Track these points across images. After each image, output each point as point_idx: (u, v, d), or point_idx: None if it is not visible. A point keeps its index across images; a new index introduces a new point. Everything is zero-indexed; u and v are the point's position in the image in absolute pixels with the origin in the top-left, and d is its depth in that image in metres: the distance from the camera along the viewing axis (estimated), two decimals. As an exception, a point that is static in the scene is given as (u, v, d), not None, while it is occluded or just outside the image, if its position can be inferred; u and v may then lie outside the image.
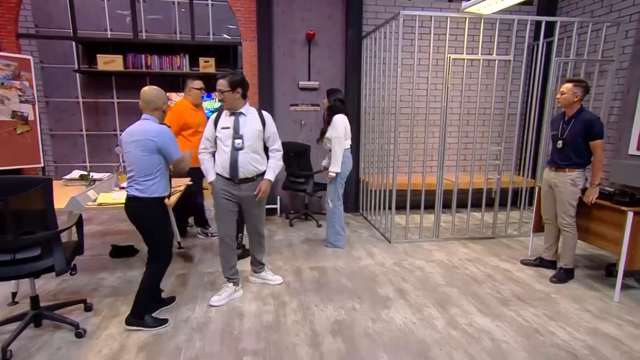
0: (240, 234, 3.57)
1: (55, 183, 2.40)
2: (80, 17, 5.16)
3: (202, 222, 4.25)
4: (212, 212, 4.38)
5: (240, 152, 2.64)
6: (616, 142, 4.25)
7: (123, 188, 3.19)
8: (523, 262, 3.62)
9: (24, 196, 2.07)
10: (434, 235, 4.28)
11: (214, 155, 2.77)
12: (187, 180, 3.57)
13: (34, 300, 2.41)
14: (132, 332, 2.42)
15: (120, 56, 5.16)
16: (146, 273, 2.47)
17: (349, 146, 3.79)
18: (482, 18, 3.94)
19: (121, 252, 3.68)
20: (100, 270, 3.34)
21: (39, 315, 2.43)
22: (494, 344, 2.35)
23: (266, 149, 2.81)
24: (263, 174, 2.78)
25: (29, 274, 2.21)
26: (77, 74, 5.47)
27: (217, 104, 5.24)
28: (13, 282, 2.76)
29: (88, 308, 2.67)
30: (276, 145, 2.82)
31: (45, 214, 2.17)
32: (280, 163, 2.85)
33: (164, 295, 2.79)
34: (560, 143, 3.14)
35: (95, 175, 3.51)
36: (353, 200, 5.30)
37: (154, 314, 2.55)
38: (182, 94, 3.99)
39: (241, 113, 2.67)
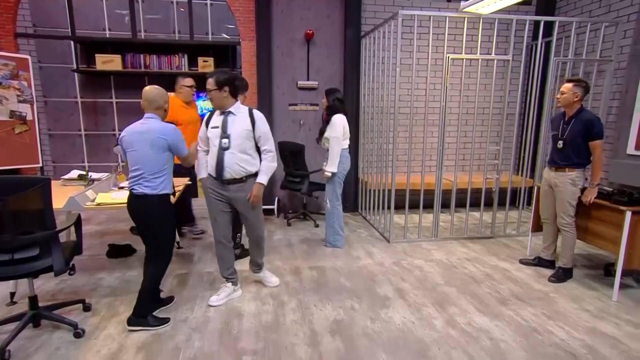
0: (238, 234, 3.57)
1: (53, 183, 2.39)
2: (78, 16, 5.15)
3: (190, 218, 4.27)
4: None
5: (226, 151, 2.58)
6: (614, 142, 4.26)
7: (122, 188, 3.18)
8: (522, 262, 3.62)
9: (23, 196, 2.06)
10: (432, 234, 4.28)
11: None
12: (185, 180, 3.57)
13: (33, 300, 2.40)
14: (131, 332, 2.42)
15: (119, 56, 5.16)
16: (148, 272, 2.47)
17: (347, 146, 3.79)
18: (480, 18, 3.94)
19: (119, 252, 3.67)
20: (99, 270, 3.34)
21: (37, 315, 2.42)
22: (492, 343, 2.35)
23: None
24: (254, 175, 2.68)
25: (27, 274, 2.20)
26: (76, 74, 5.46)
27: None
28: (11, 282, 2.75)
29: (87, 308, 2.67)
30: (267, 146, 2.69)
31: (44, 214, 2.16)
32: (273, 164, 2.72)
33: (162, 295, 2.79)
34: (560, 143, 3.14)
35: (94, 175, 3.50)
36: (352, 200, 5.30)
37: (154, 314, 2.55)
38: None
39: (230, 112, 2.61)
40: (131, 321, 2.44)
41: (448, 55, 3.92)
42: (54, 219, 2.22)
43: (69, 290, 2.99)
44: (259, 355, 2.22)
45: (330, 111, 3.72)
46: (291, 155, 4.55)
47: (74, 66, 5.31)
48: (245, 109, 2.68)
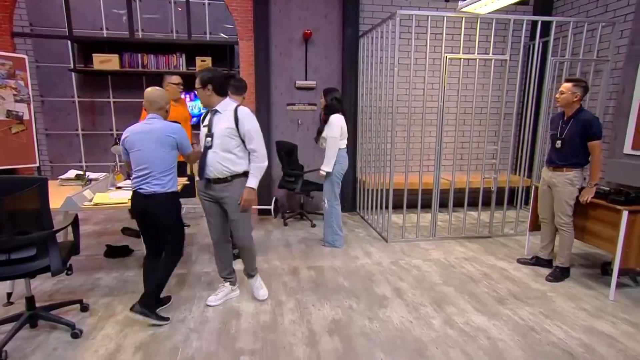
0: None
1: (50, 183, 2.38)
2: (75, 15, 5.13)
3: None
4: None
5: (209, 150, 2.54)
6: (611, 142, 4.28)
7: (119, 188, 3.18)
8: (519, 261, 3.63)
9: (19, 196, 2.06)
10: (430, 234, 4.29)
11: None
12: (184, 180, 3.56)
13: (30, 300, 2.40)
14: (129, 332, 2.41)
15: (117, 55, 5.14)
16: (161, 267, 2.49)
17: (344, 146, 3.79)
18: (478, 18, 3.95)
19: (116, 252, 3.66)
20: (97, 271, 3.33)
21: (34, 315, 2.42)
22: (490, 343, 2.36)
23: None
24: (243, 174, 2.60)
25: (24, 274, 2.20)
26: (73, 73, 5.45)
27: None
28: (8, 282, 2.74)
29: (84, 308, 2.66)
30: (253, 145, 2.56)
31: (41, 214, 2.16)
32: (262, 165, 2.60)
33: (160, 294, 2.77)
34: (559, 143, 3.14)
35: (91, 175, 3.49)
36: (350, 200, 5.30)
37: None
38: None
39: (217, 111, 2.56)
40: (135, 308, 2.44)
41: (446, 55, 3.92)
42: (51, 219, 2.22)
43: (66, 290, 2.98)
44: (257, 355, 2.22)
45: (328, 111, 3.72)
46: (286, 154, 4.57)
47: (71, 66, 5.30)
48: (233, 106, 2.57)
